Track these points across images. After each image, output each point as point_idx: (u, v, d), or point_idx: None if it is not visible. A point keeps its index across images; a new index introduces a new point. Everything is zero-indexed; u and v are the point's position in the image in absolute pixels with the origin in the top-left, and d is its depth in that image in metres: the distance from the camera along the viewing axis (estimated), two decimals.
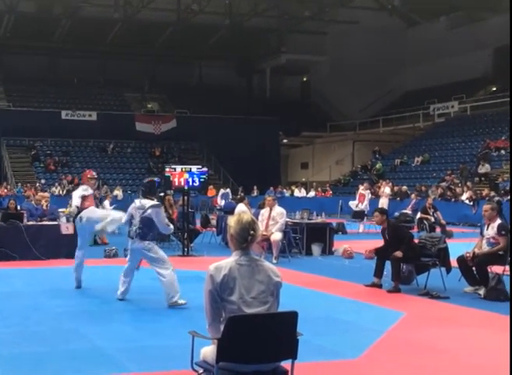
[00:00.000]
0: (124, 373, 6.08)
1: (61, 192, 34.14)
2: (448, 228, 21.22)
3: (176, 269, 12.16)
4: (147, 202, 9.33)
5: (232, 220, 4.45)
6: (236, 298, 4.24)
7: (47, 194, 17.70)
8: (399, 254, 10.33)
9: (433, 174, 34.80)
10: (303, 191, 36.93)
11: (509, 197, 24.94)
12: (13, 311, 8.75)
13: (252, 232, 4.36)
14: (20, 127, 38.99)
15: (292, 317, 4.28)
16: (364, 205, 23.82)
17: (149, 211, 9.21)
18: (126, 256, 12.30)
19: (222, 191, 32.78)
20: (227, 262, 4.34)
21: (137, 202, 9.47)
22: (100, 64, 47.45)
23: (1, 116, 39.80)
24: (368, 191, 25.04)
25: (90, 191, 10.79)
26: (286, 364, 4.37)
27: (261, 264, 4.40)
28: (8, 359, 6.45)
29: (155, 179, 10.19)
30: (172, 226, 9.91)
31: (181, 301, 8.99)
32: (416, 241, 11.24)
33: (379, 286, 10.73)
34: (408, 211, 23.07)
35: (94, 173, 11.29)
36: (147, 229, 9.20)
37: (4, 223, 14.24)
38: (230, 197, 29.57)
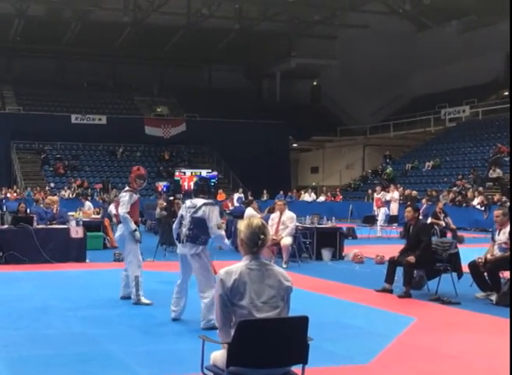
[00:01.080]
0: None
1: (70, 196, 34.23)
2: (459, 233, 21.12)
3: None
4: (200, 201, 8.25)
5: (242, 225, 4.43)
6: (247, 303, 4.22)
7: (56, 198, 17.70)
8: (412, 259, 10.25)
9: (444, 179, 34.64)
10: (313, 195, 36.83)
11: None
12: (23, 314, 8.74)
13: (262, 236, 4.34)
14: (30, 131, 39.14)
15: (302, 322, 4.26)
16: (383, 210, 23.71)
17: (202, 209, 8.15)
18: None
19: (236, 194, 32.60)
20: (237, 266, 4.32)
21: (188, 202, 8.42)
22: (109, 68, 47.63)
23: (11, 119, 40.03)
24: (384, 193, 24.88)
25: (135, 197, 9.65)
26: (296, 369, 4.34)
27: (271, 268, 4.38)
28: (17, 362, 6.43)
29: (205, 177, 9.41)
30: (223, 232, 8.44)
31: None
32: None
33: (390, 291, 10.66)
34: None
35: (143, 171, 9.94)
36: (198, 230, 8.10)
37: (14, 226, 14.27)
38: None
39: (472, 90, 38.77)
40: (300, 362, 4.30)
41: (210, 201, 8.33)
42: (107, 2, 38.84)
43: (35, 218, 14.75)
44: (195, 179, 8.69)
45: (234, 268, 4.30)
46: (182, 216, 8.37)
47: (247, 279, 4.25)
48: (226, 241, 8.68)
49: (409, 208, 11.06)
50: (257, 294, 4.25)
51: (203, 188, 8.43)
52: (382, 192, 24.71)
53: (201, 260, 8.15)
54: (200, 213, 8.12)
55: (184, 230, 8.17)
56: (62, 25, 42.92)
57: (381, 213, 23.70)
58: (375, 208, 24.37)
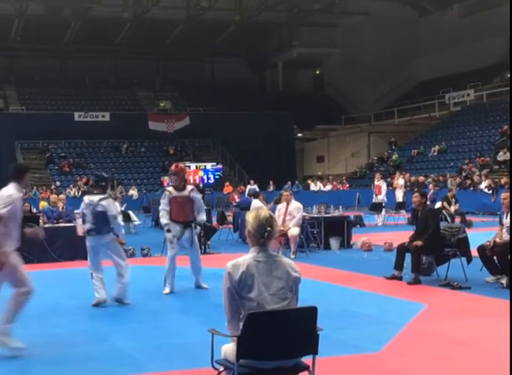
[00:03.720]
0: (144, 373, 6.03)
1: (76, 194, 34.20)
2: (467, 218, 21.08)
3: None
4: (96, 197, 9.17)
5: (249, 216, 4.39)
6: (255, 295, 4.19)
7: (62, 196, 17.67)
8: (418, 243, 10.20)
9: (450, 163, 34.52)
10: (319, 184, 36.71)
11: None
12: (31, 313, 8.68)
13: (269, 228, 4.30)
14: (34, 130, 39.19)
15: (311, 312, 4.23)
16: (381, 197, 23.60)
17: (100, 204, 9.06)
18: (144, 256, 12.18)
19: (249, 186, 32.42)
20: (245, 259, 4.28)
21: (86, 199, 9.36)
22: (111, 64, 47.54)
23: (14, 119, 40.01)
24: (382, 181, 24.78)
25: (167, 195, 10.05)
26: (307, 359, 4.30)
27: (279, 260, 4.35)
28: (27, 361, 6.42)
29: (103, 174, 10.03)
30: (121, 223, 9.37)
31: (127, 301, 9.16)
32: None
33: (399, 278, 10.61)
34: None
35: (173, 168, 9.94)
36: (101, 224, 9.03)
37: None
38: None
39: (476, 73, 38.52)
40: (310, 352, 4.27)
41: (105, 195, 9.19)
42: None
43: (41, 217, 14.73)
44: (90, 177, 9.41)
45: (241, 260, 4.27)
46: (84, 214, 9.30)
47: (254, 271, 4.22)
48: (123, 232, 9.61)
49: (416, 194, 11.01)
50: (266, 286, 4.22)
51: (97, 184, 9.35)
52: (381, 180, 24.55)
53: (112, 243, 9.19)
54: (98, 208, 8.99)
55: (88, 225, 9.13)
56: (62, 23, 42.88)
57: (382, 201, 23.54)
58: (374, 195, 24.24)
